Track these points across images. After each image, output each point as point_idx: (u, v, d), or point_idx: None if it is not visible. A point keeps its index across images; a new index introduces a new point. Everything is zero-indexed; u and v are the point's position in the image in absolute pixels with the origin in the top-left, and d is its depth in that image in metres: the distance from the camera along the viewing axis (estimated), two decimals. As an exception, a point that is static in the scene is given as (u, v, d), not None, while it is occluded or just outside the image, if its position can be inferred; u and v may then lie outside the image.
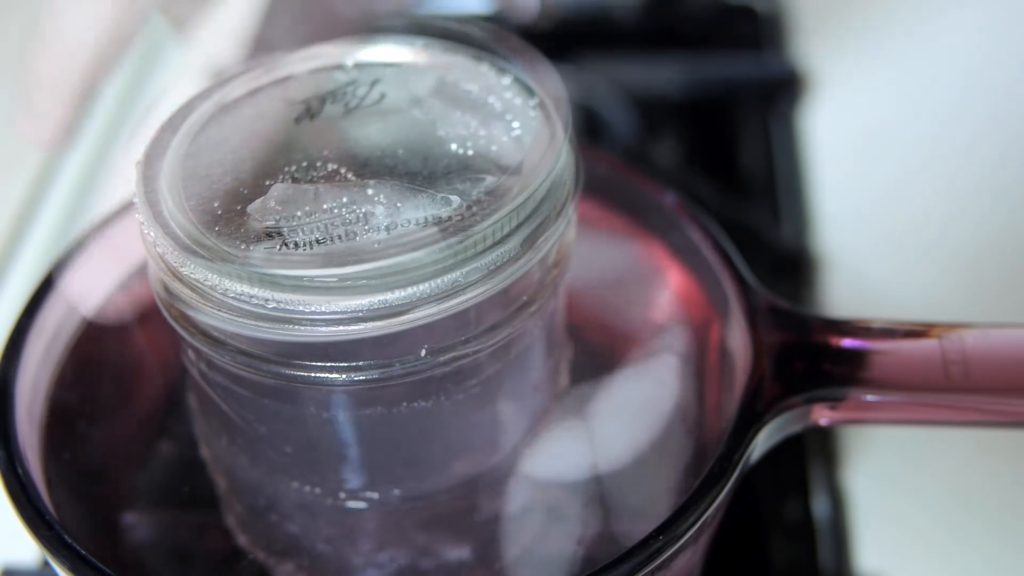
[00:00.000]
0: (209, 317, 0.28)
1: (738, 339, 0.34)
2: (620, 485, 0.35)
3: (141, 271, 0.36)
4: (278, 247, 0.27)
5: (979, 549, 0.43)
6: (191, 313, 0.28)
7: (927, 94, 0.61)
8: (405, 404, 0.30)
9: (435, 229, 0.26)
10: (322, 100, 0.32)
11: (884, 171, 0.57)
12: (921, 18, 0.64)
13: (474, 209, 0.27)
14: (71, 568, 0.30)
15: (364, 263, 0.26)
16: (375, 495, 0.33)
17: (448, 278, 0.27)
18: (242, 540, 0.36)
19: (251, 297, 0.27)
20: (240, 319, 0.27)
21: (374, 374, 0.29)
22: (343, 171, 0.30)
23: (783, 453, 0.36)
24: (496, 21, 0.32)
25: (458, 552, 0.35)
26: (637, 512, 0.35)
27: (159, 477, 0.37)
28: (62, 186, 0.58)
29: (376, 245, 0.27)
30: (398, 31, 0.33)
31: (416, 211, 0.28)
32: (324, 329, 0.27)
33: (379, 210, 0.28)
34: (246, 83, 0.32)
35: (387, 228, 0.28)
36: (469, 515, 0.34)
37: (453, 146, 0.30)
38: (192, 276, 0.28)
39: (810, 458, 0.45)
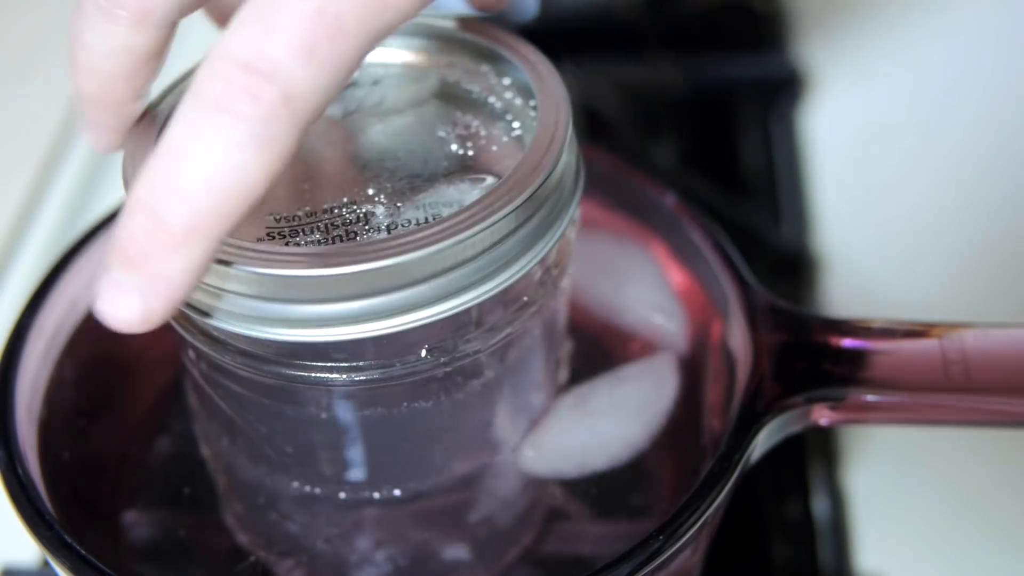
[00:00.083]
0: (209, 317, 0.28)
1: (738, 339, 0.34)
2: (620, 484, 0.35)
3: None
4: (278, 247, 0.27)
5: (979, 549, 0.43)
6: (191, 313, 0.28)
7: (927, 94, 0.61)
8: (405, 404, 0.30)
9: (436, 229, 0.26)
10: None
11: (884, 171, 0.57)
12: (921, 18, 0.64)
13: (474, 209, 0.27)
14: (71, 568, 0.30)
15: (364, 263, 0.26)
16: (375, 494, 0.33)
17: (448, 278, 0.27)
18: (242, 539, 0.36)
19: (251, 297, 0.27)
20: (240, 319, 0.27)
21: (375, 374, 0.29)
22: (344, 172, 0.30)
23: (783, 453, 0.36)
24: (496, 21, 0.32)
25: (457, 551, 0.35)
26: (637, 512, 0.36)
27: (159, 476, 0.37)
28: (62, 186, 0.58)
29: (376, 245, 0.27)
30: (398, 31, 0.33)
31: (417, 211, 0.28)
32: (324, 330, 0.27)
33: (380, 210, 0.28)
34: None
35: (387, 228, 0.28)
36: (469, 514, 0.34)
37: (454, 147, 0.30)
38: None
39: (810, 458, 0.45)
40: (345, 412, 0.31)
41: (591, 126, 0.56)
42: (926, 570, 0.42)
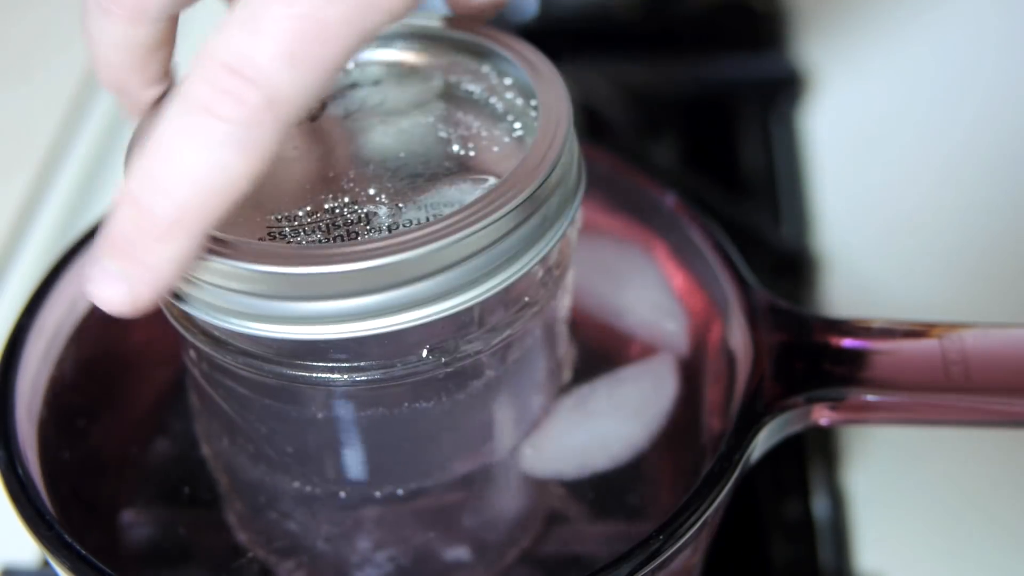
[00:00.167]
0: (210, 317, 0.28)
1: (738, 339, 0.34)
2: (620, 485, 0.35)
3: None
4: (280, 245, 0.27)
5: (979, 549, 0.43)
6: (192, 313, 0.28)
7: (927, 94, 0.61)
8: (406, 404, 0.30)
9: (436, 227, 0.26)
10: (323, 102, 0.32)
11: (884, 171, 0.57)
12: (921, 18, 0.64)
13: (475, 207, 0.27)
14: (71, 568, 0.30)
15: (365, 260, 0.26)
16: (376, 494, 0.33)
17: (449, 276, 0.27)
18: (242, 538, 0.36)
19: (253, 295, 0.27)
20: (241, 319, 0.27)
21: (376, 375, 0.29)
22: (345, 172, 0.30)
23: (783, 453, 0.36)
24: (496, 21, 0.32)
25: (457, 551, 0.35)
26: (637, 512, 0.36)
27: (159, 476, 0.37)
28: (62, 186, 0.58)
29: (378, 242, 0.27)
30: (399, 32, 0.33)
31: (418, 212, 0.28)
32: (325, 329, 0.27)
33: (381, 210, 0.28)
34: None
35: (389, 228, 0.28)
36: (469, 515, 0.34)
37: (455, 147, 0.30)
38: (193, 275, 0.28)
39: (810, 458, 0.45)
40: (346, 412, 0.31)
41: (591, 126, 0.56)
42: (926, 570, 0.42)
